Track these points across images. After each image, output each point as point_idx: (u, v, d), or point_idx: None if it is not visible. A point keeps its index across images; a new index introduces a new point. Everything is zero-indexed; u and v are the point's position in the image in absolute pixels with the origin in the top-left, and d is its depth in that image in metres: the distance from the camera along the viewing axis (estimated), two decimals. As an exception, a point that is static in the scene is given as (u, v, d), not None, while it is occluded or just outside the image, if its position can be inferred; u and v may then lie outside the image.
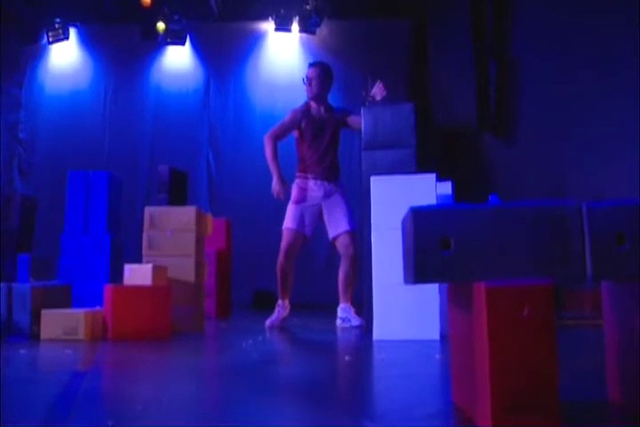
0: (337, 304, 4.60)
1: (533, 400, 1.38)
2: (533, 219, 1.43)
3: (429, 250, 1.42)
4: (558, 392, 1.39)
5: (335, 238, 4.64)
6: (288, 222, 4.63)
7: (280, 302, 4.62)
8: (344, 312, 4.53)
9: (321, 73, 4.76)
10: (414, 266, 1.43)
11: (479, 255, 1.42)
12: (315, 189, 4.65)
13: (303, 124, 4.69)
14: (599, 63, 5.25)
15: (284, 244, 4.60)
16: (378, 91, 4.45)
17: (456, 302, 1.68)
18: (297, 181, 4.71)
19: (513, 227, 1.43)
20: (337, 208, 4.64)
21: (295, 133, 4.77)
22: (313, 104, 4.77)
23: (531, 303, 1.36)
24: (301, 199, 4.64)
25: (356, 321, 4.40)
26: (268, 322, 4.49)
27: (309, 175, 4.67)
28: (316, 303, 5.91)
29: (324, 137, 4.71)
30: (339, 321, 4.54)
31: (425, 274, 1.44)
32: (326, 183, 4.67)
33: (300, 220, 4.61)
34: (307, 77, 4.77)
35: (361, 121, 4.46)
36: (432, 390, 2.15)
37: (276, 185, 4.59)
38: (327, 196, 4.65)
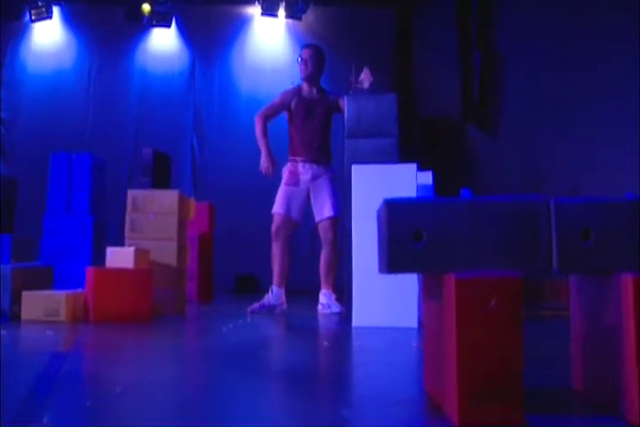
0: (319, 290, 4.65)
1: (499, 389, 1.44)
2: (503, 213, 1.48)
3: (402, 241, 1.47)
4: (523, 381, 1.45)
5: (318, 223, 4.69)
6: (277, 207, 4.65)
7: (272, 287, 4.58)
8: (325, 298, 4.59)
9: (315, 54, 4.78)
10: (388, 256, 1.48)
11: (450, 247, 1.47)
12: (303, 172, 4.67)
13: (293, 105, 4.72)
14: (585, 58, 5.30)
15: (272, 228, 4.64)
16: (365, 77, 4.48)
17: (428, 293, 1.73)
18: (288, 164, 4.73)
19: (483, 221, 1.48)
20: (323, 192, 4.67)
21: (286, 115, 4.79)
22: (305, 86, 4.79)
23: (498, 295, 1.41)
24: (292, 182, 4.66)
25: (336, 308, 4.46)
26: (250, 307, 4.51)
27: (298, 158, 4.69)
28: (298, 289, 5.95)
29: (314, 119, 4.73)
30: (319, 307, 4.60)
31: (397, 264, 1.49)
32: (315, 166, 4.69)
33: (289, 204, 4.63)
34: (301, 58, 4.79)
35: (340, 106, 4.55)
36: (407, 378, 2.21)
37: (264, 161, 4.62)
38: (314, 178, 4.68)
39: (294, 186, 4.66)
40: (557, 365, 2.22)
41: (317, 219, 4.67)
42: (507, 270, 1.45)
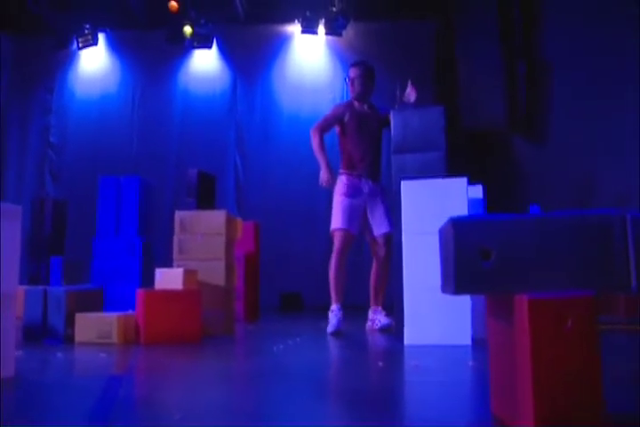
0: (365, 305, 4.56)
1: (578, 413, 1.36)
2: (576, 229, 1.41)
3: (470, 261, 1.41)
4: (603, 405, 1.37)
5: (374, 239, 4.58)
6: (338, 222, 4.49)
7: (335, 306, 4.40)
8: (374, 315, 4.52)
9: (363, 73, 4.72)
10: (454, 277, 1.42)
11: (520, 266, 1.40)
12: (361, 187, 4.57)
13: (346, 119, 4.64)
14: (634, 65, 5.15)
15: (335, 247, 4.46)
16: (411, 91, 4.44)
17: (495, 313, 1.66)
18: (342, 177, 4.61)
19: (555, 237, 1.41)
20: (379, 208, 4.59)
21: (337, 129, 4.72)
22: (356, 102, 4.74)
23: (574, 316, 1.34)
24: (351, 195, 4.51)
25: (385, 320, 4.39)
26: (330, 329, 4.25)
27: (355, 173, 4.58)
28: (345, 305, 5.91)
29: (368, 134, 4.67)
30: (369, 324, 4.53)
31: (464, 285, 1.43)
32: (370, 182, 4.62)
33: (350, 217, 4.47)
34: (348, 77, 4.76)
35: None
36: (469, 399, 2.13)
37: (324, 174, 4.48)
38: (372, 195, 4.59)
39: (354, 199, 4.52)
40: (631, 383, 2.11)
41: (375, 234, 4.56)
42: (581, 289, 1.37)
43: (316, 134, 4.60)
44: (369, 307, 4.61)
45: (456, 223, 1.43)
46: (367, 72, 4.74)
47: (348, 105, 4.75)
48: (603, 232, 1.40)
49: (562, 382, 1.36)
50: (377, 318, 4.48)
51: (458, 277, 1.41)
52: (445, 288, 1.55)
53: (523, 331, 1.37)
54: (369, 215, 4.58)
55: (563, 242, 1.40)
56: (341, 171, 4.66)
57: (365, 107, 4.74)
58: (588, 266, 1.41)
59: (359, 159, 4.62)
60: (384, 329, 4.37)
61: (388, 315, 4.41)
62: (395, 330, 4.07)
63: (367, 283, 4.67)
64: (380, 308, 4.53)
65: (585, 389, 1.37)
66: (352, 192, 4.53)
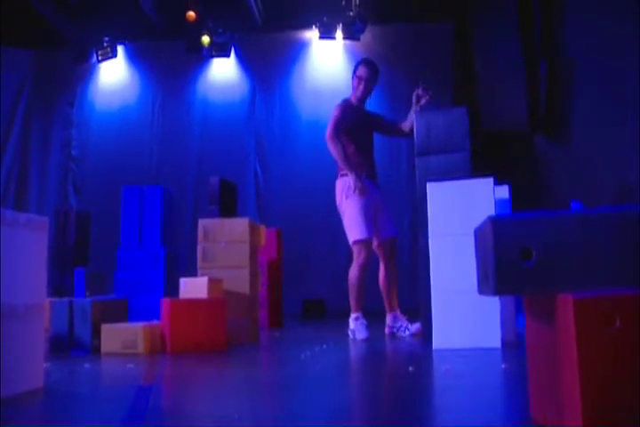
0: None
1: (628, 418, 1.30)
2: (620, 225, 1.35)
3: (510, 260, 1.36)
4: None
5: (384, 242, 4.49)
6: (361, 232, 4.31)
7: (359, 314, 4.36)
8: (397, 321, 4.44)
9: (373, 77, 4.61)
10: (494, 278, 1.37)
11: (563, 265, 1.35)
12: (368, 187, 4.41)
13: (352, 120, 4.50)
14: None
15: (361, 260, 4.30)
16: (422, 93, 4.42)
17: (534, 313, 1.60)
18: (348, 178, 4.38)
19: (599, 234, 1.35)
20: (386, 209, 4.55)
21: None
22: (355, 103, 4.63)
23: (622, 316, 1.28)
24: (366, 197, 4.35)
25: (413, 328, 4.32)
26: (362, 336, 4.24)
27: (362, 174, 4.43)
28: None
29: (368, 134, 4.65)
30: (394, 329, 4.45)
31: (506, 286, 1.37)
32: (374, 183, 4.57)
33: (368, 222, 4.34)
34: (358, 76, 4.58)
35: (389, 126, 4.66)
36: (507, 402, 2.08)
37: (357, 182, 4.31)
38: (377, 196, 4.52)
39: (366, 199, 4.37)
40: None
41: (385, 236, 4.49)
42: (629, 287, 1.32)
43: (337, 140, 4.40)
44: (386, 313, 4.51)
45: (495, 222, 1.38)
46: (376, 76, 4.64)
47: (351, 106, 4.60)
48: (648, 228, 1.35)
49: (610, 385, 1.31)
50: (403, 324, 4.40)
51: (498, 277, 1.36)
52: (483, 290, 1.50)
53: (568, 332, 1.31)
54: (377, 218, 4.49)
55: (607, 239, 1.35)
56: (346, 172, 4.43)
57: (362, 108, 4.67)
58: (633, 263, 1.35)
59: (364, 160, 4.54)
60: (415, 335, 4.30)
61: (409, 320, 4.36)
62: (422, 332, 4.02)
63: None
64: (398, 312, 4.45)
65: (635, 391, 1.31)
66: (367, 195, 4.38)
